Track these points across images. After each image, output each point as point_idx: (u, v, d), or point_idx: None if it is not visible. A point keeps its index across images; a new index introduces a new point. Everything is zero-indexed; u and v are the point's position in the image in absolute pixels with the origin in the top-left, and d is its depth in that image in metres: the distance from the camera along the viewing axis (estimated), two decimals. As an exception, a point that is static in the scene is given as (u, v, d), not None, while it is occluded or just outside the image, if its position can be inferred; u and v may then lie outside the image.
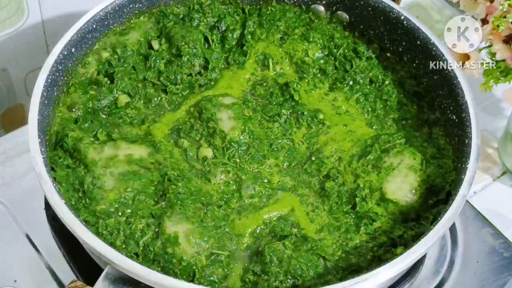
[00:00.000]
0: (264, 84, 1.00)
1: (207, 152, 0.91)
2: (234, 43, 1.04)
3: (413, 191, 0.86)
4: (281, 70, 1.03)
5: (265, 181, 0.90)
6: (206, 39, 1.02)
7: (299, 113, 0.97)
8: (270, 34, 1.04)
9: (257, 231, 0.85)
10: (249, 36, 1.03)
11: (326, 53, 1.03)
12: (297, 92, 0.98)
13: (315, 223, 0.87)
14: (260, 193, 0.88)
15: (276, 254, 0.80)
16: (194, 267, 0.77)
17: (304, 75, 1.01)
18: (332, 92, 1.00)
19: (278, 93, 0.99)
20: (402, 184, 0.86)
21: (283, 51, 1.03)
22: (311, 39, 1.03)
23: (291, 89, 0.98)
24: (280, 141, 0.94)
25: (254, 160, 0.91)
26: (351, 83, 1.00)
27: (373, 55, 1.02)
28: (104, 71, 0.96)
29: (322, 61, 1.02)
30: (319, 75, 1.02)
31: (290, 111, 0.97)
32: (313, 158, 0.93)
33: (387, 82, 0.99)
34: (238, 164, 0.90)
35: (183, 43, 0.98)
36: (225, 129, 0.91)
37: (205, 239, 0.80)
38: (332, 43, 1.03)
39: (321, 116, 0.96)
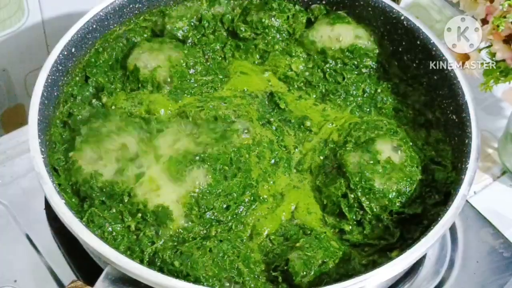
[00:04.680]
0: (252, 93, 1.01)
1: None
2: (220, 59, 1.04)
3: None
4: (269, 82, 1.02)
5: (271, 200, 0.89)
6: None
7: (286, 121, 0.97)
8: (249, 55, 1.04)
9: (272, 235, 0.85)
10: (230, 58, 1.04)
11: (311, 66, 1.02)
12: (283, 100, 0.98)
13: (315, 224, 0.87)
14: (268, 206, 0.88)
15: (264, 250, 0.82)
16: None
17: (290, 87, 1.01)
18: (324, 103, 1.00)
19: (265, 102, 0.99)
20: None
21: (264, 69, 1.03)
22: (293, 53, 1.03)
23: (276, 98, 0.98)
24: (276, 152, 0.93)
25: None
26: (344, 95, 0.99)
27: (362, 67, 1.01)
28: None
29: (307, 73, 1.02)
30: (304, 87, 1.01)
31: (279, 118, 0.97)
32: (299, 168, 0.92)
33: (379, 90, 0.99)
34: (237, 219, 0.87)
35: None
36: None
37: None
38: (318, 56, 1.02)
39: (308, 123, 0.96)
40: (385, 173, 0.85)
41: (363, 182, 0.84)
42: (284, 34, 1.05)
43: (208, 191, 0.83)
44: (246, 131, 0.91)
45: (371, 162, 0.86)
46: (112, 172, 0.83)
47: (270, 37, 1.04)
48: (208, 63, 1.01)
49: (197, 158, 0.85)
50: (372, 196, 0.84)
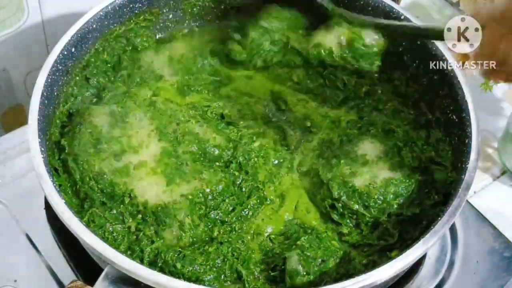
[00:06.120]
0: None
1: None
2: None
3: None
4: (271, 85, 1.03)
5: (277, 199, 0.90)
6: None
7: (287, 121, 0.97)
8: (250, 66, 1.04)
9: (273, 235, 0.85)
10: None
11: (311, 72, 1.02)
12: (284, 102, 0.99)
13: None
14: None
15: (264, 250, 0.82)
16: None
17: (290, 91, 1.02)
18: (325, 106, 1.00)
19: (268, 103, 1.00)
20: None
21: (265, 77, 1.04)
22: (292, 64, 1.03)
23: (277, 100, 0.99)
24: (280, 153, 0.93)
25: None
26: (344, 99, 1.00)
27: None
28: None
29: (308, 81, 1.02)
30: (304, 93, 1.02)
31: (281, 118, 0.97)
32: (299, 169, 0.93)
33: (379, 92, 0.99)
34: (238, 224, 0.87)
35: None
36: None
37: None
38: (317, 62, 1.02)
39: (308, 124, 0.96)
40: (368, 170, 0.85)
41: (344, 187, 0.85)
42: (279, 45, 1.03)
43: (218, 194, 0.84)
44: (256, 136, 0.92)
45: (348, 163, 0.87)
46: (114, 167, 0.83)
47: (266, 52, 1.03)
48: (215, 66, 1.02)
49: (207, 157, 0.86)
50: (358, 197, 0.84)
